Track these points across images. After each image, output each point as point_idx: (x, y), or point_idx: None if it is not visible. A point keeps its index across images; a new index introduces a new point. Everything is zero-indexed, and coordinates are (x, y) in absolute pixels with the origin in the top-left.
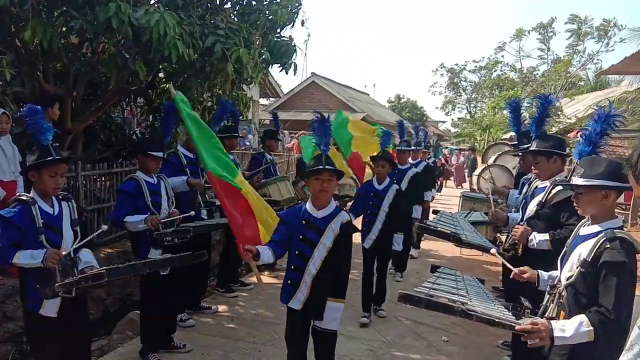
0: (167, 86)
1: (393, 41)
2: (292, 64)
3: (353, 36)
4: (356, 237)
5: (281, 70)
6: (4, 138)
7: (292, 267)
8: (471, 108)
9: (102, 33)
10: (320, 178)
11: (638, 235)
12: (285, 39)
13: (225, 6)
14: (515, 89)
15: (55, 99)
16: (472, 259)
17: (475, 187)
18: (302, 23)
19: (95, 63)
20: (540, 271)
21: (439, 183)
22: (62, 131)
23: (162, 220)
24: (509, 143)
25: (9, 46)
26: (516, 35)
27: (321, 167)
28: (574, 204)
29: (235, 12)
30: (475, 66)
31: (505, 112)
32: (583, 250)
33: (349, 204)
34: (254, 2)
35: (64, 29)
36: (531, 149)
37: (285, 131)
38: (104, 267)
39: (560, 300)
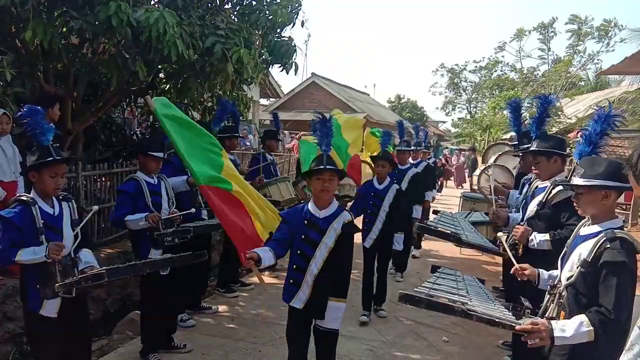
0: (145, 98)
1: (393, 41)
2: (293, 64)
3: (353, 36)
4: (357, 237)
5: (282, 70)
6: (4, 138)
7: (294, 266)
8: (471, 108)
9: (102, 33)
10: (322, 178)
11: (638, 235)
12: (285, 39)
13: (226, 6)
14: (516, 89)
15: (55, 100)
16: (473, 259)
17: (475, 187)
18: (302, 24)
19: (95, 63)
20: (541, 270)
21: (439, 183)
22: (63, 132)
23: (163, 218)
24: (509, 143)
25: (9, 47)
26: (516, 35)
27: (322, 167)
28: (574, 204)
29: (235, 12)
30: (476, 66)
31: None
32: (583, 250)
33: (349, 204)
34: (254, 2)
35: (64, 29)
36: (531, 149)
37: (285, 131)
38: (104, 267)
39: (561, 300)
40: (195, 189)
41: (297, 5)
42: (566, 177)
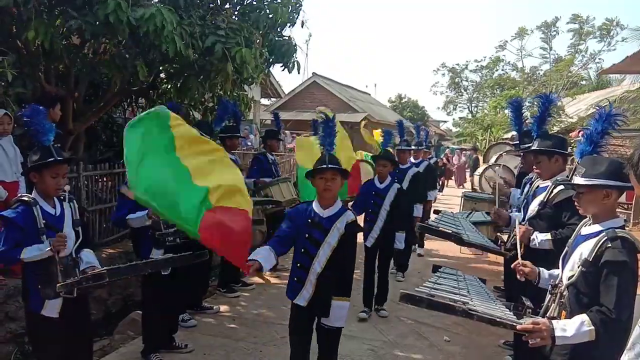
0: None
1: (394, 41)
2: (295, 63)
3: (354, 36)
4: (358, 236)
5: (283, 69)
6: (5, 139)
7: (298, 264)
8: (472, 107)
9: (102, 33)
10: (324, 177)
11: (639, 234)
12: (286, 38)
13: (226, 6)
14: (517, 88)
15: (56, 100)
16: (474, 259)
17: (476, 187)
18: (302, 24)
19: (96, 64)
20: (541, 269)
21: (440, 183)
22: (64, 132)
23: None
24: (511, 143)
25: (10, 47)
26: (518, 34)
27: (324, 166)
28: (575, 203)
29: (236, 12)
30: (477, 66)
31: (506, 111)
32: (584, 250)
33: (350, 203)
34: (254, 2)
35: (64, 29)
36: (533, 148)
37: (286, 131)
38: (105, 268)
39: (562, 299)
40: None
41: (297, 5)
42: (567, 176)
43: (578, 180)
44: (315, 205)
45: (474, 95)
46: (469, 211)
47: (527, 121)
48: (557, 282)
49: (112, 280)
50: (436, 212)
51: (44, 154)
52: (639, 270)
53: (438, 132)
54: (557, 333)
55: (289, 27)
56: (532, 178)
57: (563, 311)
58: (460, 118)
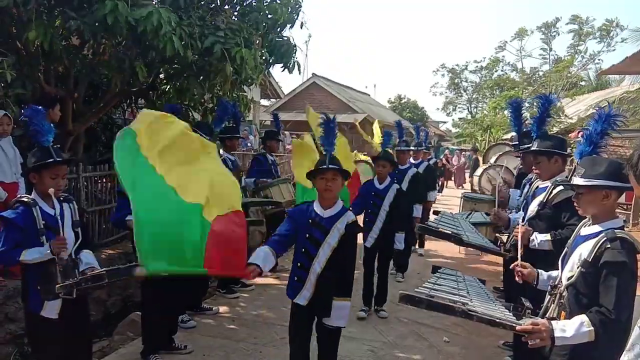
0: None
1: (393, 41)
2: (295, 63)
3: (353, 37)
4: (359, 237)
5: (283, 70)
6: (5, 140)
7: (299, 264)
8: (472, 108)
9: (101, 34)
10: (325, 177)
11: (639, 235)
12: (285, 38)
13: (226, 7)
14: (516, 89)
15: (56, 101)
16: (473, 259)
17: (476, 187)
18: (302, 25)
19: (96, 64)
20: (540, 270)
21: (439, 184)
22: (63, 133)
23: None
24: (510, 143)
25: (10, 48)
26: (518, 34)
27: (325, 166)
28: (575, 204)
29: (235, 13)
30: (476, 66)
31: (506, 112)
32: (584, 251)
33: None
34: (254, 3)
35: (64, 30)
36: (532, 148)
37: (286, 132)
38: (104, 269)
39: (561, 300)
40: None
41: (297, 6)
42: (567, 177)
43: (577, 180)
44: (315, 206)
45: (474, 96)
46: (469, 212)
47: (526, 122)
48: (556, 283)
49: (111, 281)
50: (435, 212)
51: (43, 154)
52: (638, 271)
53: (437, 133)
54: (557, 334)
55: (289, 27)
56: (531, 179)
57: (562, 312)
58: (460, 119)
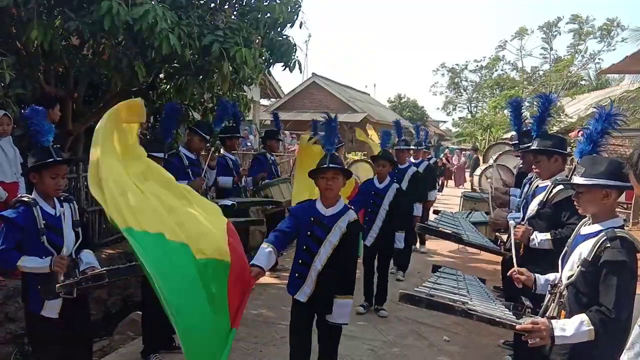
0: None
1: (393, 41)
2: (295, 62)
3: (353, 36)
4: None
5: (284, 69)
6: (5, 140)
7: (300, 261)
8: (472, 108)
9: (100, 34)
10: (325, 177)
11: (639, 234)
12: (285, 37)
13: (225, 6)
14: (516, 88)
15: (56, 101)
16: (474, 258)
17: (476, 187)
18: (301, 25)
19: (95, 64)
20: (536, 275)
21: (439, 183)
22: (63, 133)
23: None
24: (510, 143)
25: (9, 48)
26: (518, 33)
27: (325, 165)
28: (575, 203)
29: (235, 12)
30: (476, 66)
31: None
32: (584, 250)
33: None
34: (253, 2)
35: (63, 30)
36: (532, 148)
37: (286, 132)
38: (104, 268)
39: (561, 299)
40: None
41: (296, 6)
42: (567, 176)
43: (577, 180)
44: (317, 204)
45: (474, 96)
46: (469, 211)
47: (526, 121)
48: (556, 282)
49: (111, 281)
50: (436, 212)
51: (43, 154)
52: (638, 270)
53: (437, 132)
54: (557, 333)
55: (289, 27)
56: (531, 178)
57: (562, 311)
58: (460, 118)
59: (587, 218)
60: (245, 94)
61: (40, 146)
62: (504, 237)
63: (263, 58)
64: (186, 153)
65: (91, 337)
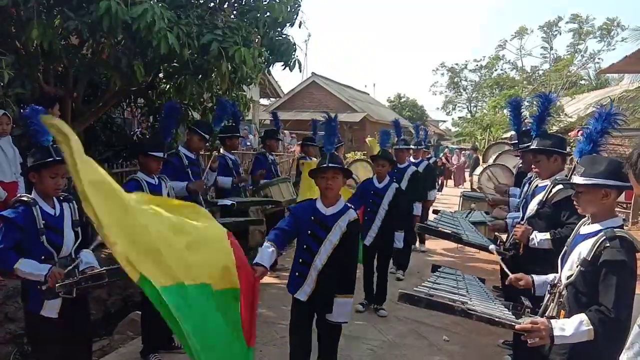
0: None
1: (393, 41)
2: (296, 61)
3: (353, 36)
4: None
5: (285, 68)
6: (4, 139)
7: (300, 260)
8: (472, 107)
9: (100, 33)
10: (325, 176)
11: (638, 234)
12: (285, 36)
13: (225, 6)
14: (516, 87)
15: (55, 100)
16: (473, 258)
17: (475, 187)
18: (300, 24)
19: (95, 64)
20: (533, 276)
21: (439, 183)
22: None
23: None
24: (509, 142)
25: (9, 48)
26: (518, 33)
27: (325, 165)
28: (574, 202)
29: (234, 12)
30: (476, 65)
31: (505, 111)
32: (583, 249)
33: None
34: (252, 1)
35: (62, 30)
36: (531, 147)
37: (285, 131)
38: (104, 268)
39: (561, 299)
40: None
41: (296, 5)
42: (566, 175)
43: (577, 179)
44: (318, 203)
45: (473, 95)
46: (468, 211)
47: (526, 121)
48: (555, 282)
49: (111, 281)
50: (435, 212)
51: (43, 154)
52: (637, 270)
53: (437, 132)
54: (556, 332)
55: (289, 26)
56: (531, 178)
57: (562, 310)
58: (460, 118)
59: (586, 218)
60: (244, 93)
61: (40, 146)
62: (504, 237)
63: (262, 58)
64: (186, 153)
65: (91, 336)
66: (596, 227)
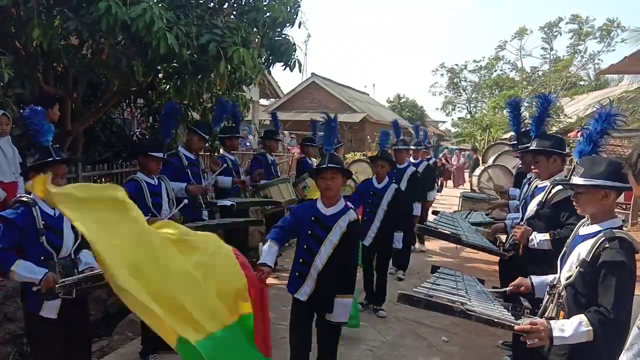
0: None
1: (393, 41)
2: (296, 61)
3: (353, 37)
4: None
5: (285, 68)
6: (4, 139)
7: (300, 260)
8: (471, 108)
9: (99, 33)
10: (325, 177)
11: (638, 235)
12: (284, 37)
13: (224, 6)
14: (516, 88)
15: (55, 100)
16: (473, 259)
17: (475, 187)
18: (300, 25)
19: (95, 64)
20: (532, 278)
21: (439, 183)
22: (63, 132)
23: (163, 218)
24: (509, 143)
25: (8, 48)
26: (518, 33)
27: (324, 165)
28: (574, 203)
29: (234, 12)
30: (476, 66)
31: (505, 111)
32: (582, 250)
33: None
34: (252, 2)
35: (62, 30)
36: (531, 148)
37: (285, 132)
38: None
39: (560, 300)
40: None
41: (296, 6)
42: (566, 176)
43: (577, 180)
44: (318, 203)
45: (473, 96)
46: (468, 211)
47: (525, 121)
48: (555, 283)
49: None
50: (435, 212)
51: (42, 154)
52: (636, 271)
53: (437, 133)
54: (555, 333)
55: (288, 26)
56: (530, 178)
57: (561, 311)
58: (459, 118)
59: (585, 218)
60: (244, 94)
61: (40, 146)
62: (503, 237)
63: (262, 58)
64: (185, 153)
65: (90, 337)
66: (595, 228)
